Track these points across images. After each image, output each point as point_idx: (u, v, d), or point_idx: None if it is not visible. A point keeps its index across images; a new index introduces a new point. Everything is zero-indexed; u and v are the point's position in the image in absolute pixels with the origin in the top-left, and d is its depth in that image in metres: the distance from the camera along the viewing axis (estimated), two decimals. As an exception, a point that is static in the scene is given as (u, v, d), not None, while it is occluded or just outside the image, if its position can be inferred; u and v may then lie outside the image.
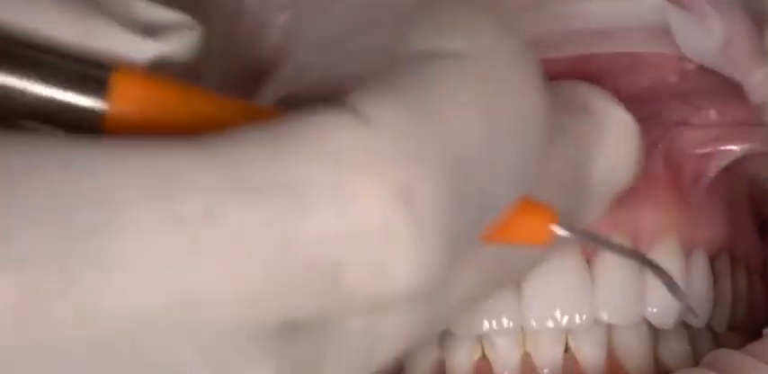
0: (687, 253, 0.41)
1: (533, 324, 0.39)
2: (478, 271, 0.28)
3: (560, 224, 0.28)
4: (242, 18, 0.36)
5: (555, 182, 0.30)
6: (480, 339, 0.39)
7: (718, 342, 0.42)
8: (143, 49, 0.25)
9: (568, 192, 0.31)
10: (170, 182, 0.22)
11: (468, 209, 0.23)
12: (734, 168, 0.42)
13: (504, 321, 0.39)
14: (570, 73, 0.38)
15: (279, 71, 0.35)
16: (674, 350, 0.41)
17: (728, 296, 0.43)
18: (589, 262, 0.39)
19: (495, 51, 0.25)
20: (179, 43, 0.26)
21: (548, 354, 0.39)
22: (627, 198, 0.40)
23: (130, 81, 0.24)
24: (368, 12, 0.35)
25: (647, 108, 0.40)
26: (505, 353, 0.39)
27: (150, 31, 0.25)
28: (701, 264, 0.41)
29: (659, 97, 0.41)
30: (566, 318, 0.39)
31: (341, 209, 0.22)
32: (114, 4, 0.25)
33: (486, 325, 0.39)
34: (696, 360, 0.40)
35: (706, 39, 0.37)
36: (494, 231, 0.26)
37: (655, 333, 0.40)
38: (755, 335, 0.38)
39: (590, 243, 0.37)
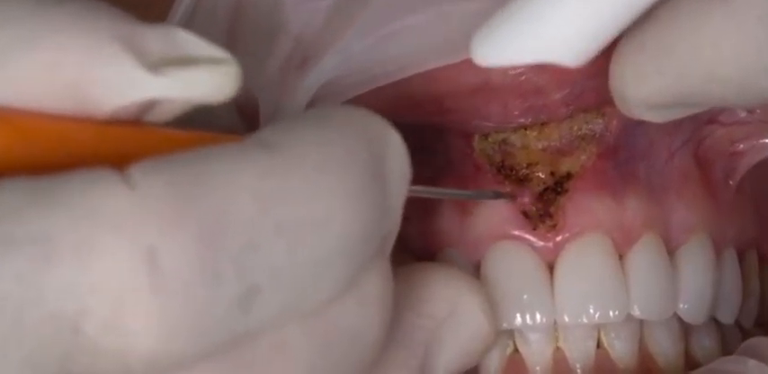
0: (718, 250, 0.41)
1: (566, 319, 0.39)
2: None
3: None
4: (284, 5, 0.36)
5: None
6: (513, 334, 0.40)
7: (747, 338, 0.42)
8: (143, 86, 0.25)
9: None
10: None
11: (224, 284, 0.24)
12: (761, 166, 0.43)
13: (538, 316, 0.39)
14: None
15: (322, 58, 0.36)
16: (705, 345, 0.41)
17: (757, 292, 0.43)
18: (621, 258, 0.40)
19: (310, 150, 0.25)
20: (205, 81, 0.26)
21: (580, 349, 0.39)
22: (659, 195, 0.40)
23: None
24: None
25: None
26: (538, 348, 0.39)
27: (177, 66, 0.26)
28: (731, 261, 0.42)
29: None
30: (598, 314, 0.39)
31: (84, 262, 0.23)
32: (157, 34, 0.26)
33: (519, 319, 0.39)
34: (725, 355, 0.40)
35: None
36: None
37: (685, 328, 0.41)
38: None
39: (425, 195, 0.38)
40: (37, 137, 0.25)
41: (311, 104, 0.36)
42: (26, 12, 0.25)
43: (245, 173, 0.24)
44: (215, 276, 0.24)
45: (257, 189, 0.24)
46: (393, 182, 0.27)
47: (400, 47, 0.35)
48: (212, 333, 0.24)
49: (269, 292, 0.25)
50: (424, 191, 0.37)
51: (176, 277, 0.23)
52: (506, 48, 0.30)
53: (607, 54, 0.34)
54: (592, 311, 0.39)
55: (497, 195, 0.39)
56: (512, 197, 0.39)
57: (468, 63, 0.36)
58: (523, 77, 0.37)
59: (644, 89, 0.32)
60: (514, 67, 0.37)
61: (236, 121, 0.36)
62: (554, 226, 0.39)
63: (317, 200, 0.25)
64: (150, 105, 0.26)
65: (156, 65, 0.25)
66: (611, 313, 0.39)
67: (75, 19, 0.25)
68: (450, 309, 0.32)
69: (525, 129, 0.40)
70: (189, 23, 0.36)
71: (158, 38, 0.26)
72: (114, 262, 0.23)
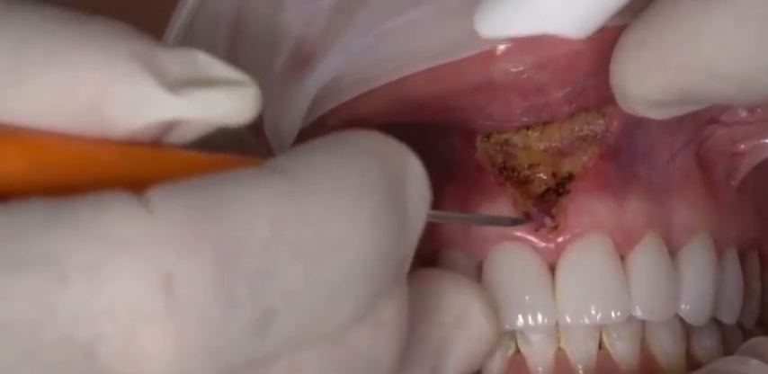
0: (719, 250, 0.41)
1: (568, 320, 0.39)
2: None
3: None
4: (286, 6, 0.36)
5: None
6: (515, 335, 0.40)
7: (748, 338, 0.42)
8: (161, 106, 0.25)
9: None
10: None
11: (240, 308, 0.24)
12: (762, 166, 0.43)
13: (540, 317, 0.39)
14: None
15: (324, 58, 0.36)
16: (706, 346, 0.41)
17: (758, 293, 0.43)
18: (623, 259, 0.40)
19: (326, 175, 0.25)
20: (224, 102, 0.26)
21: (582, 350, 0.39)
22: (660, 196, 0.40)
23: (13, 145, 0.24)
24: None
25: None
26: (540, 349, 0.39)
27: (193, 87, 0.26)
28: (733, 262, 0.42)
29: None
30: (600, 314, 0.39)
31: (97, 285, 0.23)
32: (176, 54, 0.26)
33: (521, 320, 0.39)
34: (727, 355, 0.40)
35: None
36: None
37: (687, 329, 0.41)
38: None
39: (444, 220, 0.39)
40: (54, 158, 0.24)
41: (313, 104, 0.36)
42: (43, 31, 0.25)
43: (261, 198, 0.24)
44: (230, 300, 0.24)
45: (274, 213, 0.24)
46: (412, 206, 0.27)
47: (401, 45, 0.35)
48: (227, 358, 0.24)
49: (285, 316, 0.24)
50: (443, 215, 0.37)
51: (192, 301, 0.23)
52: (511, 19, 0.30)
53: (608, 51, 0.34)
54: (593, 312, 0.39)
55: (515, 222, 0.39)
56: (528, 221, 0.39)
57: (470, 61, 0.36)
58: (525, 75, 0.37)
59: (645, 86, 0.32)
60: (516, 65, 0.37)
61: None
62: (555, 227, 0.39)
63: (334, 224, 0.25)
64: (170, 126, 0.26)
65: (175, 85, 0.25)
66: (612, 313, 0.39)
67: (93, 38, 0.25)
68: (457, 315, 0.32)
69: (527, 130, 0.40)
70: (191, 27, 0.36)
71: (177, 59, 0.26)
72: (129, 284, 0.23)
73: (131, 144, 0.25)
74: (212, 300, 0.24)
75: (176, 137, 0.26)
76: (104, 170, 0.25)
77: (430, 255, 0.41)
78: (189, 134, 0.26)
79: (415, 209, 0.27)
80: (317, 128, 0.37)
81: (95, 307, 0.23)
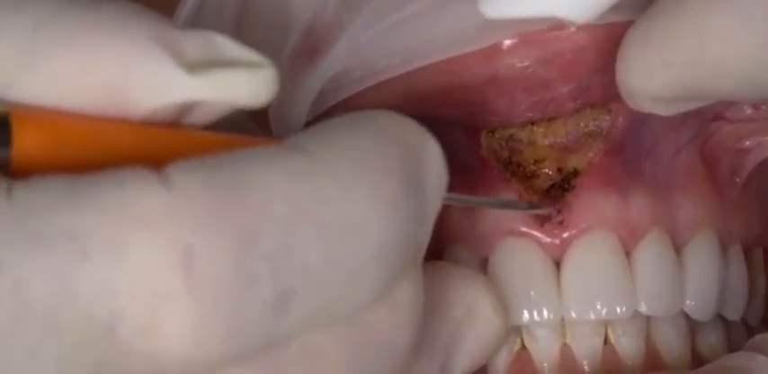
0: (724, 247, 0.41)
1: (573, 315, 0.39)
2: None
3: None
4: None
5: None
6: (520, 330, 0.40)
7: (752, 335, 0.42)
8: (181, 87, 0.25)
9: None
10: None
11: (259, 285, 0.24)
12: (766, 163, 0.43)
13: (545, 312, 0.39)
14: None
15: (330, 50, 0.36)
16: (711, 342, 0.41)
17: (763, 290, 0.43)
18: (628, 254, 0.40)
19: (346, 155, 0.25)
20: (242, 84, 0.26)
21: (587, 346, 0.39)
22: (665, 192, 0.40)
23: (32, 125, 0.24)
24: None
25: None
26: (545, 344, 0.39)
27: (210, 67, 0.26)
28: (737, 258, 0.42)
29: None
30: (605, 310, 0.39)
31: (118, 261, 0.23)
32: (195, 37, 0.26)
33: (526, 316, 0.39)
34: (731, 352, 0.40)
35: None
36: None
37: (692, 325, 0.41)
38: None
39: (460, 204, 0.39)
40: (73, 137, 0.25)
41: (320, 96, 0.36)
42: (62, 13, 0.25)
43: (281, 176, 0.24)
44: (250, 278, 0.24)
45: (294, 192, 0.24)
46: (429, 189, 0.27)
47: (407, 38, 0.35)
48: (246, 336, 0.24)
49: (303, 296, 0.25)
50: (459, 198, 0.37)
51: (212, 279, 0.23)
52: (515, 0, 0.30)
53: (613, 48, 0.34)
54: (599, 307, 0.39)
55: (531, 206, 0.39)
56: (543, 206, 0.39)
57: (476, 55, 0.36)
58: (530, 70, 0.37)
59: (651, 82, 0.32)
60: (522, 60, 0.37)
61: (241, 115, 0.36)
62: (561, 222, 0.39)
63: (354, 205, 0.25)
64: (188, 108, 0.26)
65: (194, 66, 0.25)
66: (617, 309, 0.39)
67: (112, 20, 0.25)
68: (467, 309, 0.32)
69: (532, 125, 0.40)
70: (196, 18, 0.36)
71: (195, 40, 0.26)
72: (150, 261, 0.23)
73: (149, 124, 0.26)
74: (232, 278, 0.24)
75: (195, 118, 0.26)
76: (122, 149, 0.25)
77: (434, 251, 0.41)
78: (207, 116, 0.27)
79: (432, 191, 0.27)
80: (324, 120, 0.37)
81: (117, 284, 0.23)
